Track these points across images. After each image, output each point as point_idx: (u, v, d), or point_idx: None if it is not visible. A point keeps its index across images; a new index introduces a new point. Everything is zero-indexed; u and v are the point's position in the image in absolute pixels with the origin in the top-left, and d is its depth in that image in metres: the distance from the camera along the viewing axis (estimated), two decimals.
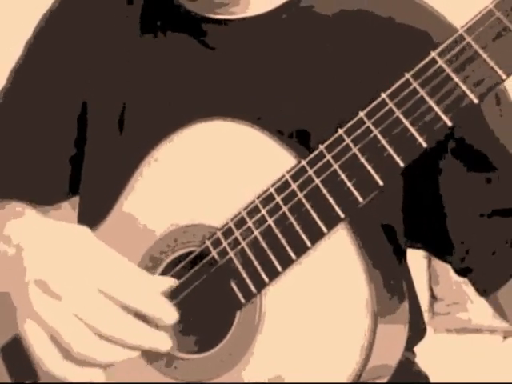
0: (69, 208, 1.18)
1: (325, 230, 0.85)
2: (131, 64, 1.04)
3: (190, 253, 0.92)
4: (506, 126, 0.94)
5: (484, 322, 2.37)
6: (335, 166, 0.85)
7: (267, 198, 0.88)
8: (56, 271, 0.85)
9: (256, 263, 0.88)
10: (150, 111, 1.02)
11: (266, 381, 0.88)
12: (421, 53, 0.83)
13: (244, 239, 0.89)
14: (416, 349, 1.12)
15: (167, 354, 0.90)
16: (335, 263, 0.87)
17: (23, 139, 1.10)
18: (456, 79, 0.81)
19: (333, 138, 0.86)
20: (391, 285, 0.91)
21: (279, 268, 0.87)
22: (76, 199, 1.12)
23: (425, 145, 0.82)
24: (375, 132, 0.84)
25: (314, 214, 0.86)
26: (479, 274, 0.95)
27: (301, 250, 0.86)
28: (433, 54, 0.82)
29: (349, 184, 0.85)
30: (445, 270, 2.34)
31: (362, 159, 0.84)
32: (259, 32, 0.99)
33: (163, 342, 0.87)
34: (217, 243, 0.90)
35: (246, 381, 0.88)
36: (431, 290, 2.48)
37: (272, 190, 0.88)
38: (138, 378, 0.92)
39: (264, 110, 0.95)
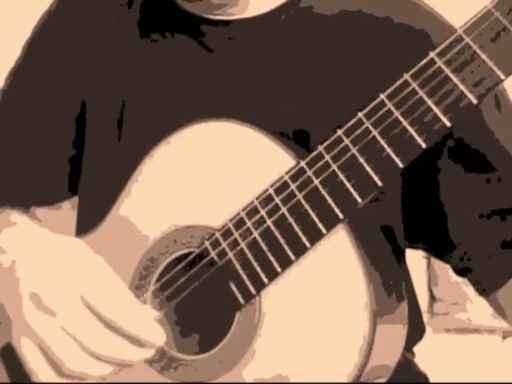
0: (69, 208, 1.18)
1: (324, 230, 0.85)
2: (130, 64, 1.04)
3: (189, 254, 0.92)
4: (506, 127, 0.94)
5: (483, 322, 2.37)
6: (334, 167, 0.85)
7: (266, 199, 0.88)
8: (49, 285, 0.86)
9: (255, 264, 0.88)
10: (149, 112, 1.02)
11: (266, 381, 0.88)
12: (420, 53, 0.83)
13: (243, 240, 0.89)
14: (415, 349, 1.12)
15: (167, 354, 0.90)
16: (334, 264, 0.87)
17: (23, 139, 1.10)
18: (455, 80, 0.81)
19: (332, 139, 0.86)
20: (390, 285, 0.91)
21: (278, 269, 0.87)
22: (76, 199, 1.12)
23: (424, 145, 0.82)
24: (374, 132, 0.84)
25: (312, 215, 0.86)
26: (479, 274, 0.96)
27: (300, 250, 0.86)
28: (432, 54, 0.82)
29: (348, 185, 0.85)
30: (444, 270, 2.35)
31: (361, 160, 0.84)
32: (258, 33, 0.99)
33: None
34: (216, 244, 0.90)
35: (245, 381, 0.88)
36: (430, 290, 2.48)
37: (271, 190, 0.88)
38: (138, 379, 0.92)
39: (263, 111, 0.95)
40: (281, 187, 0.87)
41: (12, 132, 1.11)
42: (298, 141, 0.94)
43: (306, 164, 0.87)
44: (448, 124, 0.81)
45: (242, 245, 0.88)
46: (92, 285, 0.86)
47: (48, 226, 0.96)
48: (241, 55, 0.99)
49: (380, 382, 0.93)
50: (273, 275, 0.87)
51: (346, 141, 0.85)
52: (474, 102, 0.81)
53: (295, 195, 0.87)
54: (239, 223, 0.89)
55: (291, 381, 0.87)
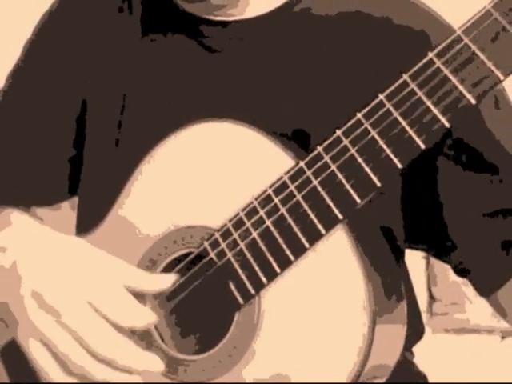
0: (68, 208, 1.18)
1: (323, 230, 0.85)
2: (130, 64, 1.04)
3: (188, 254, 0.92)
4: (505, 126, 0.94)
5: (482, 323, 2.37)
6: (333, 167, 0.85)
7: (265, 199, 0.88)
8: (51, 284, 0.86)
9: (254, 264, 0.88)
10: (149, 112, 1.02)
11: (265, 381, 0.88)
12: (419, 53, 0.83)
13: (242, 240, 0.89)
14: (414, 349, 1.12)
15: (167, 354, 0.90)
16: (333, 264, 0.87)
17: (23, 139, 1.10)
18: (454, 80, 0.81)
19: (331, 139, 0.86)
20: (389, 285, 0.91)
21: (277, 269, 0.87)
22: (75, 199, 1.12)
23: (423, 146, 0.82)
24: (373, 133, 0.84)
25: (312, 215, 0.86)
26: (479, 275, 0.96)
27: (299, 250, 0.86)
28: (430, 54, 0.82)
29: (347, 185, 0.85)
30: (443, 270, 2.35)
31: (360, 160, 0.84)
32: (257, 34, 0.99)
33: (155, 364, 0.88)
34: (215, 244, 0.90)
35: (245, 381, 0.88)
36: (429, 290, 2.48)
37: (270, 191, 0.88)
38: (137, 379, 0.92)
39: (262, 111, 0.95)
40: (280, 187, 0.87)
41: (12, 132, 1.11)
42: (298, 141, 0.94)
43: (305, 164, 0.87)
44: (447, 124, 0.82)
45: (242, 245, 0.88)
46: (93, 284, 0.86)
47: (48, 226, 0.96)
48: (240, 56, 0.99)
49: (379, 381, 0.93)
50: (272, 275, 0.87)
51: (345, 141, 0.85)
52: (473, 102, 0.81)
53: (294, 195, 0.87)
54: (238, 223, 0.89)
55: (291, 381, 0.87)
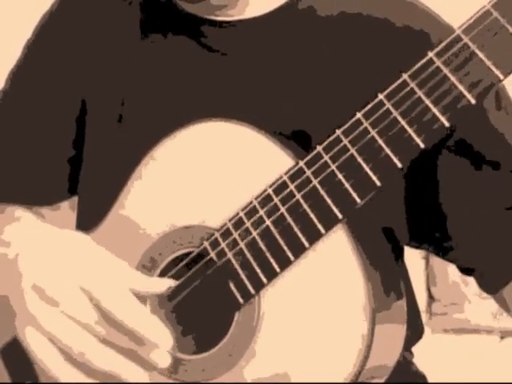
0: (68, 208, 1.18)
1: (323, 230, 0.85)
2: (131, 64, 1.04)
3: (188, 254, 0.93)
4: (507, 123, 0.94)
5: (481, 323, 2.37)
6: (333, 167, 0.85)
7: (265, 199, 0.88)
8: (52, 277, 0.86)
9: (254, 264, 0.88)
10: (149, 111, 1.02)
11: (265, 381, 0.88)
12: (420, 53, 0.83)
13: (242, 240, 0.89)
14: (414, 349, 1.12)
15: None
16: (333, 263, 0.87)
17: (22, 139, 1.11)
18: (453, 79, 0.81)
19: (330, 139, 0.86)
20: (389, 284, 0.91)
21: (277, 269, 0.87)
22: (75, 199, 1.12)
23: (422, 145, 0.82)
24: (373, 133, 0.84)
25: (311, 215, 0.86)
26: (484, 273, 0.96)
27: (299, 250, 0.86)
28: (430, 54, 0.82)
29: (346, 185, 0.85)
30: (442, 270, 2.34)
31: (360, 160, 0.84)
32: (257, 34, 0.99)
33: (162, 358, 0.86)
34: (215, 244, 0.90)
35: (244, 381, 0.89)
36: (429, 290, 2.48)
37: (270, 190, 0.88)
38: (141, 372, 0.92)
39: (262, 111, 0.95)
40: (280, 187, 0.88)
41: (12, 132, 1.11)
42: (298, 141, 0.94)
43: (305, 164, 0.87)
44: (446, 124, 0.82)
45: (241, 245, 0.89)
46: (96, 277, 0.85)
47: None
48: (240, 56, 0.99)
49: (378, 381, 0.93)
50: (272, 275, 0.87)
51: (345, 141, 0.85)
52: (473, 101, 0.81)
53: (294, 195, 0.87)
54: (238, 223, 0.89)
55: (290, 380, 0.87)
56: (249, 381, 0.89)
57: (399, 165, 0.83)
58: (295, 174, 0.87)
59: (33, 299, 0.86)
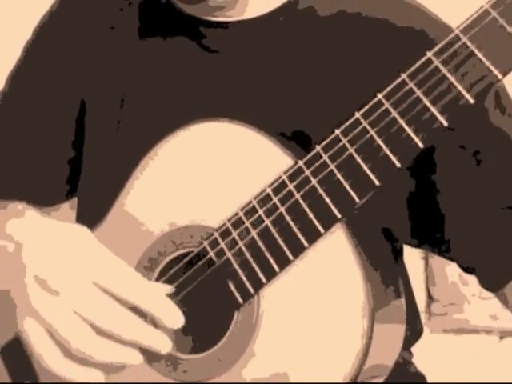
0: (68, 208, 1.18)
1: (322, 230, 0.85)
2: (130, 65, 1.04)
3: (187, 253, 0.93)
4: (507, 123, 0.94)
5: (481, 323, 2.37)
6: (332, 167, 0.85)
7: (264, 199, 0.88)
8: (54, 268, 0.86)
9: (253, 264, 0.88)
10: (149, 112, 1.02)
11: (264, 380, 0.88)
12: (419, 54, 0.83)
13: (241, 240, 0.89)
14: (413, 349, 1.12)
15: (166, 354, 0.90)
16: (332, 263, 0.87)
17: (23, 140, 1.11)
18: (452, 79, 0.81)
19: (329, 139, 0.86)
20: (388, 284, 0.91)
21: (276, 268, 0.87)
22: (75, 200, 1.12)
23: (421, 145, 0.82)
24: (371, 132, 0.84)
25: (310, 215, 0.86)
26: (486, 271, 0.95)
27: (298, 250, 0.86)
28: (429, 54, 0.82)
29: (345, 184, 0.85)
30: (442, 271, 2.34)
31: (359, 159, 0.84)
32: (257, 34, 0.99)
33: (163, 342, 0.86)
34: (214, 244, 0.90)
35: (244, 381, 0.89)
36: (428, 290, 2.48)
37: (269, 190, 0.88)
38: (137, 378, 0.92)
39: (262, 112, 0.96)
40: (279, 187, 0.88)
41: (12, 133, 1.11)
42: (297, 141, 0.94)
43: (304, 164, 0.87)
44: (445, 123, 0.82)
45: (241, 244, 0.89)
46: (100, 264, 0.86)
47: None
48: (240, 56, 0.99)
49: (378, 381, 0.93)
50: (271, 274, 0.87)
51: (344, 140, 0.85)
52: (471, 101, 0.81)
53: (293, 195, 0.87)
54: (237, 223, 0.89)
55: (290, 380, 0.87)
56: (248, 380, 0.89)
57: (398, 164, 0.83)
58: (294, 174, 0.87)
59: (35, 290, 0.85)
